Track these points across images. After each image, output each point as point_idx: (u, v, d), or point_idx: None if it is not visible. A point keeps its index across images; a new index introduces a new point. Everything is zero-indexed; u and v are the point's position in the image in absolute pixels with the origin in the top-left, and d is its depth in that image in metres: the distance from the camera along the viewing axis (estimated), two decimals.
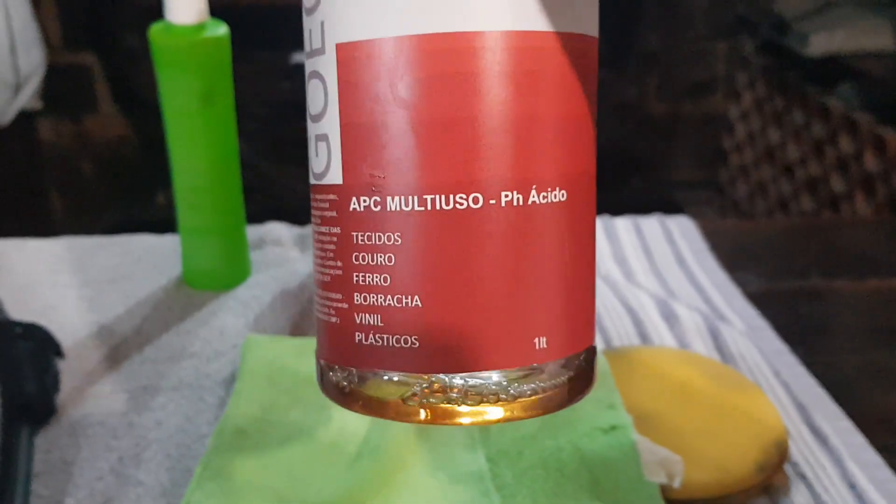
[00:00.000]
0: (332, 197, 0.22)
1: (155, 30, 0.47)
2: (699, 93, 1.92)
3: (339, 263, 0.22)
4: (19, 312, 0.50)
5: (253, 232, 0.60)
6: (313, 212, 0.24)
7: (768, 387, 0.45)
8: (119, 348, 0.48)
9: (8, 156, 1.75)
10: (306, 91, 0.23)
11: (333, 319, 0.22)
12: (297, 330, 0.50)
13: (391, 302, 0.21)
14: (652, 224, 0.65)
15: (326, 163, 0.22)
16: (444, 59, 0.20)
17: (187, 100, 0.48)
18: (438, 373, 0.21)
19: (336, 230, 0.22)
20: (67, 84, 1.89)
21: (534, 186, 0.21)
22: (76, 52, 1.91)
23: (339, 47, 0.21)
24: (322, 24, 0.21)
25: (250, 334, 0.47)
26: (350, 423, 0.40)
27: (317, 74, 0.22)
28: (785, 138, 1.60)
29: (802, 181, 1.53)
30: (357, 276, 0.22)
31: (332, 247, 0.22)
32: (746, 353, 0.48)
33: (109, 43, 1.80)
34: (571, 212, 0.22)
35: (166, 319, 0.51)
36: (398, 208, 0.21)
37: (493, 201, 0.20)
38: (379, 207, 0.21)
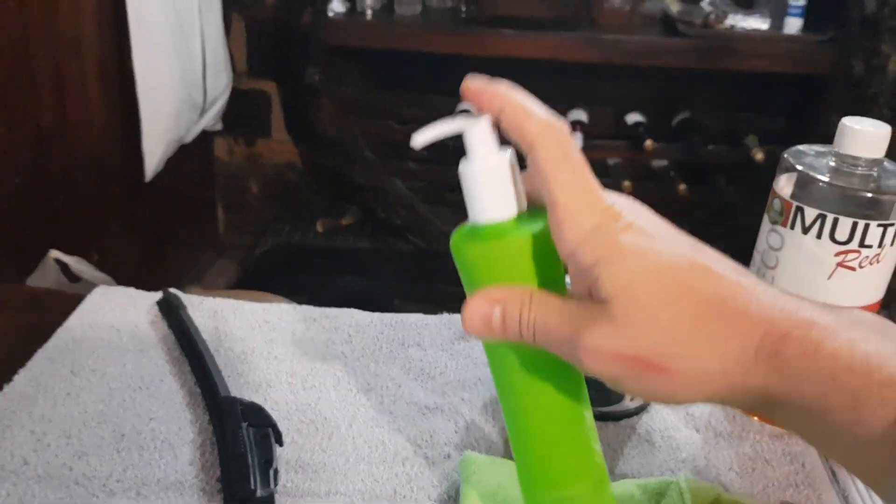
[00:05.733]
0: None
1: (459, 237, 0.33)
2: None
3: None
4: (238, 386, 0.51)
5: None
6: None
7: None
8: (332, 438, 0.47)
9: (187, 171, 1.85)
10: None
11: None
12: (508, 447, 0.48)
13: None
14: None
15: None
16: None
17: None
18: None
19: None
20: (246, 108, 1.99)
21: None
22: (258, 79, 2.00)
23: None
24: None
25: (468, 451, 0.45)
26: None
27: None
28: None
29: None
30: None
31: None
32: None
33: (291, 74, 1.87)
34: None
35: (377, 411, 0.50)
36: None
37: None
38: None
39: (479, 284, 0.32)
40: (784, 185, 0.48)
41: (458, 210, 0.33)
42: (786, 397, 0.27)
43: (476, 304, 0.31)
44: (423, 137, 0.31)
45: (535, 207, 0.32)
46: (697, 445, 0.49)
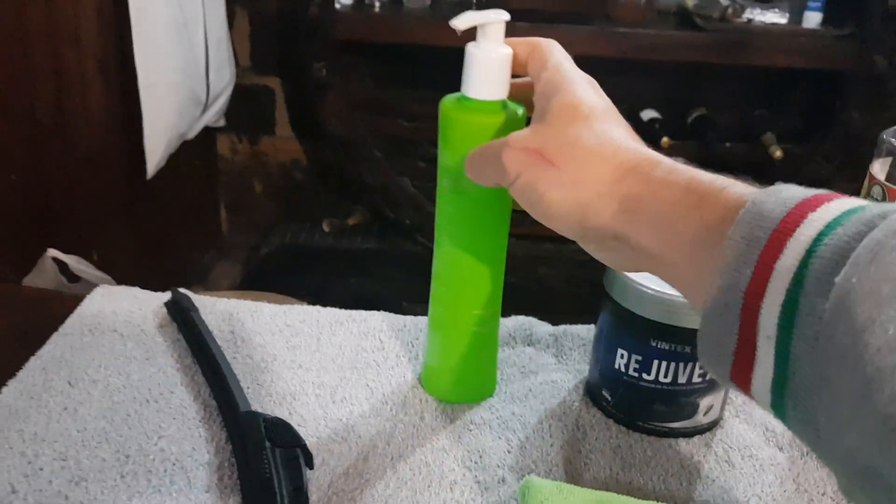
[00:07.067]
0: None
1: (449, 102, 0.41)
2: None
3: None
4: (259, 398, 0.45)
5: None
6: None
7: None
8: (368, 459, 0.41)
9: (189, 169, 1.80)
10: None
11: None
12: (571, 469, 0.42)
13: None
14: None
15: None
16: None
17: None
18: None
19: None
20: (250, 104, 1.93)
21: None
22: (262, 74, 1.94)
23: None
24: None
25: (530, 476, 0.39)
26: None
27: None
28: None
29: None
30: None
31: None
32: None
33: (296, 70, 1.81)
34: None
35: (417, 428, 0.44)
36: None
37: None
38: None
39: (460, 143, 0.40)
40: (879, 170, 0.43)
41: None
42: (644, 205, 0.32)
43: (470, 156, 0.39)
44: (463, 21, 0.37)
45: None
46: (784, 466, 0.43)
